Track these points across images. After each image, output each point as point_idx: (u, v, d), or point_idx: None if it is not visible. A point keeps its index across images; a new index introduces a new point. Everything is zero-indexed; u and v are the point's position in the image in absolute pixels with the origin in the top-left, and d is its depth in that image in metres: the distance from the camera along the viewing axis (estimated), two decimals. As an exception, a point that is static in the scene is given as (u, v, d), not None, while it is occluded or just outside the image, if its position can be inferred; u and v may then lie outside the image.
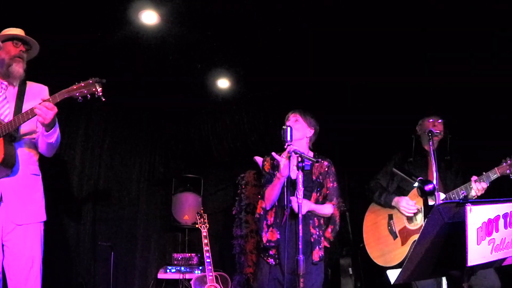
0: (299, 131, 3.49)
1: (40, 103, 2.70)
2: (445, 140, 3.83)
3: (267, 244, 3.38)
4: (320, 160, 3.53)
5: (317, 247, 3.37)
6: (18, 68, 2.97)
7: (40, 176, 3.11)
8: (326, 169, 3.55)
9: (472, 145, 4.15)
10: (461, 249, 1.99)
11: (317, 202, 3.48)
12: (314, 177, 3.50)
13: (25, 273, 2.89)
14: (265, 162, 3.61)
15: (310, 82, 4.81)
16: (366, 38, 4.10)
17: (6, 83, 3.00)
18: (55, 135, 2.91)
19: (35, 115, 2.74)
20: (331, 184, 3.55)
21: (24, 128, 2.94)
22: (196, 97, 5.42)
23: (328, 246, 3.51)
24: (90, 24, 3.91)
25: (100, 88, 2.66)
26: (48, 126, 2.81)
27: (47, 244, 3.07)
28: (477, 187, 3.48)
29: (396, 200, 3.82)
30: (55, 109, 2.73)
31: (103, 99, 2.69)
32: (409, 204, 3.72)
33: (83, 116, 4.93)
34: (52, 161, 4.05)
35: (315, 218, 3.44)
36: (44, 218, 3.06)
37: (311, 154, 3.59)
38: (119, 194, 5.41)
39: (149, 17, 3.93)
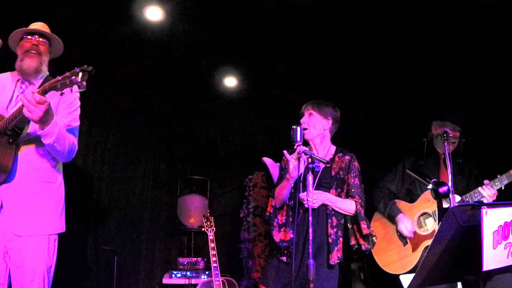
0: (315, 127, 3.36)
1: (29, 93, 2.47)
2: (458, 144, 3.73)
3: (281, 243, 3.26)
4: (339, 158, 3.40)
5: (335, 249, 3.19)
6: (30, 62, 2.84)
7: (57, 184, 2.93)
8: (348, 163, 3.38)
9: (486, 148, 4.10)
10: (476, 253, 1.97)
11: None
12: (333, 173, 3.34)
13: (26, 285, 2.72)
14: (283, 159, 3.46)
15: (319, 81, 4.74)
16: (379, 34, 4.01)
17: (26, 82, 2.90)
18: (53, 136, 2.63)
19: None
20: (353, 180, 3.35)
21: (32, 129, 2.76)
22: (202, 96, 5.40)
23: (363, 243, 3.28)
24: (93, 20, 3.86)
25: (84, 77, 2.34)
26: (41, 123, 2.57)
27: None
28: (486, 193, 3.37)
29: (399, 219, 3.72)
30: (47, 103, 2.49)
31: (83, 90, 2.40)
32: (407, 229, 3.63)
33: (85, 116, 4.82)
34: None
35: (334, 217, 3.26)
36: (56, 230, 2.88)
37: (333, 148, 3.44)
38: (122, 197, 5.37)
39: (154, 13, 3.89)
